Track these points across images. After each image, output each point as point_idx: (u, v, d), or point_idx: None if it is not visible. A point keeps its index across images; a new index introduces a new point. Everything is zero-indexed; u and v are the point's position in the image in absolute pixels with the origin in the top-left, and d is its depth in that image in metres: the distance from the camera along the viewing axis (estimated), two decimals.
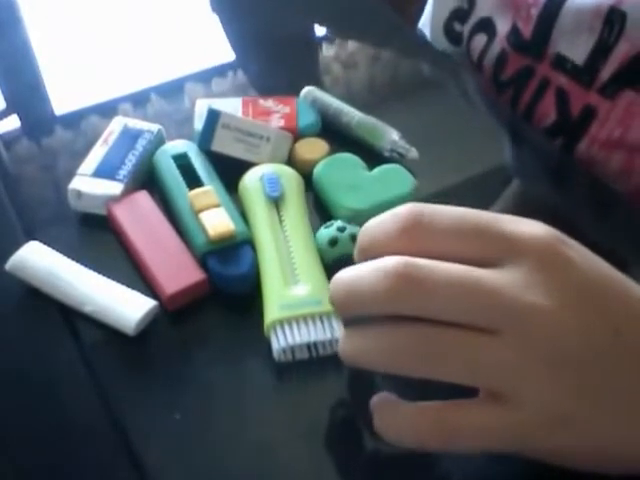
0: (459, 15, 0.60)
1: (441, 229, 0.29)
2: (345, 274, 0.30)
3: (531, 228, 0.29)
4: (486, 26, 0.58)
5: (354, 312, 0.31)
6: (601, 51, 0.49)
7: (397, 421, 0.30)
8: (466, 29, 0.60)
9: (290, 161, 0.48)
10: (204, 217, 0.42)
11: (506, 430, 0.28)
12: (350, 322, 0.32)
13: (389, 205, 0.43)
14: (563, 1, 0.51)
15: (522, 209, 0.47)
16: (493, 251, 0.29)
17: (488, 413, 0.28)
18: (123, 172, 0.45)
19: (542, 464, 0.30)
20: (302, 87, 0.53)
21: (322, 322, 0.37)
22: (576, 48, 0.51)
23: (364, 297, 0.29)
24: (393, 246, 0.29)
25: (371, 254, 0.30)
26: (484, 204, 0.46)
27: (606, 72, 0.49)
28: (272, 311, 0.38)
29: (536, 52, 0.54)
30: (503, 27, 0.56)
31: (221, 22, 0.64)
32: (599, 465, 0.30)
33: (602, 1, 0.49)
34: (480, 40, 0.58)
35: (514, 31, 0.55)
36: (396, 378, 0.29)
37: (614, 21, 0.48)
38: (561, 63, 0.52)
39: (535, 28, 0.53)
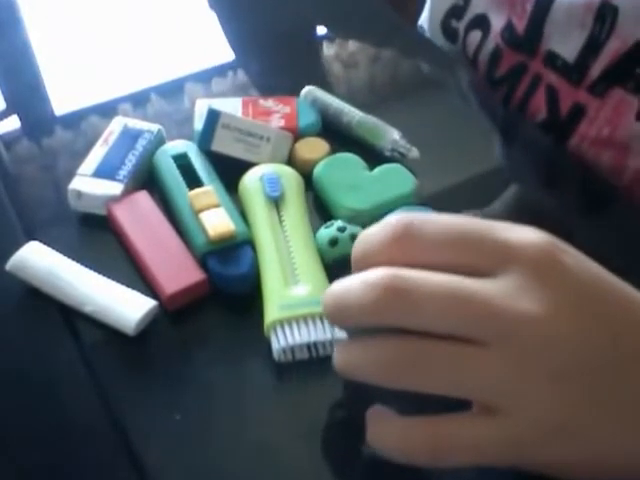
0: (455, 12, 0.60)
1: (432, 238, 0.29)
2: (335, 286, 0.30)
3: (525, 235, 0.28)
4: (481, 22, 0.58)
5: (344, 324, 0.31)
6: (591, 48, 0.49)
7: (389, 435, 0.30)
8: (461, 26, 0.59)
9: (290, 161, 0.48)
10: (204, 217, 0.42)
11: (500, 444, 0.28)
12: (352, 332, 0.32)
13: (390, 205, 0.44)
14: None
15: (522, 210, 0.47)
16: (486, 260, 0.28)
17: (481, 427, 0.28)
18: (123, 172, 0.45)
19: (538, 475, 0.29)
20: (302, 86, 0.53)
21: (322, 322, 0.37)
22: (567, 44, 0.51)
23: (351, 310, 0.29)
24: (384, 256, 0.29)
25: (363, 265, 0.29)
26: (485, 204, 0.46)
27: (596, 70, 0.49)
28: (272, 311, 0.38)
29: (529, 48, 0.54)
30: (498, 23, 0.56)
31: (219, 19, 0.64)
32: (597, 476, 0.29)
33: None
34: (475, 36, 0.58)
35: (509, 27, 0.55)
36: (391, 390, 0.29)
37: (606, 16, 0.48)
38: (552, 60, 0.52)
39: (528, 23, 0.53)
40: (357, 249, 0.31)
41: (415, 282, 0.27)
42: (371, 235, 0.30)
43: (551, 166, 0.52)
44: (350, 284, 0.29)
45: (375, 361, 0.29)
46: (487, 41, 0.57)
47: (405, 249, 0.29)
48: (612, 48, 0.48)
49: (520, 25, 0.54)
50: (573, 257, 0.28)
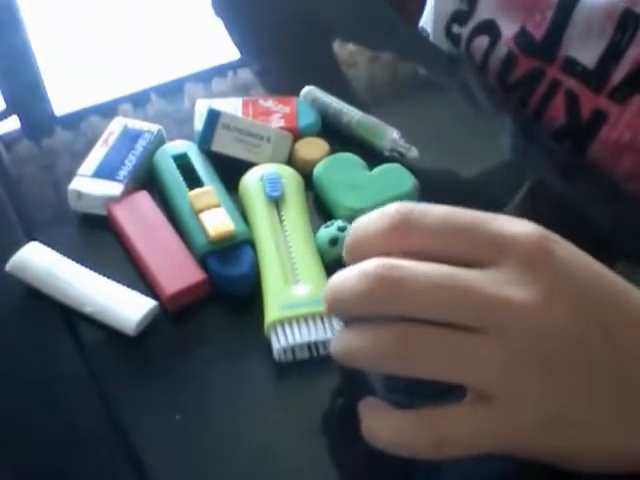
0: (459, 17, 0.60)
1: (429, 228, 0.29)
2: (334, 277, 0.30)
3: (519, 227, 0.29)
4: (488, 28, 0.57)
5: (340, 314, 0.32)
6: (612, 55, 0.49)
7: (384, 429, 0.30)
8: (466, 31, 0.59)
9: (290, 161, 0.48)
10: (204, 217, 0.42)
11: (496, 433, 0.28)
12: (351, 323, 0.32)
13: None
14: (576, 2, 0.51)
15: (534, 209, 0.46)
16: (481, 250, 0.28)
17: (477, 415, 0.28)
18: (123, 172, 0.45)
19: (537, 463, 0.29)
20: (302, 86, 0.53)
21: (322, 322, 0.37)
22: (587, 51, 0.51)
23: (346, 300, 0.29)
24: (379, 244, 0.29)
25: (358, 252, 0.30)
26: (484, 203, 0.46)
27: (617, 76, 0.49)
28: (272, 311, 0.38)
29: (547, 55, 0.53)
30: (509, 29, 0.56)
31: (225, 25, 0.63)
32: (595, 467, 0.29)
33: (616, 2, 0.48)
34: (482, 42, 0.58)
35: (523, 33, 0.55)
36: (389, 379, 0.29)
37: (627, 23, 0.48)
38: (571, 66, 0.52)
39: (547, 31, 0.53)
40: (351, 237, 0.31)
41: (410, 271, 0.28)
42: (367, 223, 0.30)
43: (570, 165, 0.52)
44: (346, 275, 0.29)
45: (372, 347, 0.29)
46: (497, 47, 0.57)
47: (402, 238, 0.29)
48: (632, 55, 0.48)
49: (538, 32, 0.53)
50: (567, 250, 0.29)
